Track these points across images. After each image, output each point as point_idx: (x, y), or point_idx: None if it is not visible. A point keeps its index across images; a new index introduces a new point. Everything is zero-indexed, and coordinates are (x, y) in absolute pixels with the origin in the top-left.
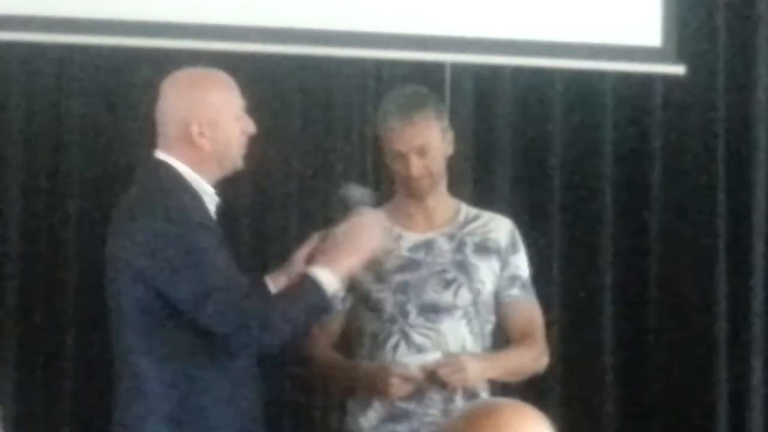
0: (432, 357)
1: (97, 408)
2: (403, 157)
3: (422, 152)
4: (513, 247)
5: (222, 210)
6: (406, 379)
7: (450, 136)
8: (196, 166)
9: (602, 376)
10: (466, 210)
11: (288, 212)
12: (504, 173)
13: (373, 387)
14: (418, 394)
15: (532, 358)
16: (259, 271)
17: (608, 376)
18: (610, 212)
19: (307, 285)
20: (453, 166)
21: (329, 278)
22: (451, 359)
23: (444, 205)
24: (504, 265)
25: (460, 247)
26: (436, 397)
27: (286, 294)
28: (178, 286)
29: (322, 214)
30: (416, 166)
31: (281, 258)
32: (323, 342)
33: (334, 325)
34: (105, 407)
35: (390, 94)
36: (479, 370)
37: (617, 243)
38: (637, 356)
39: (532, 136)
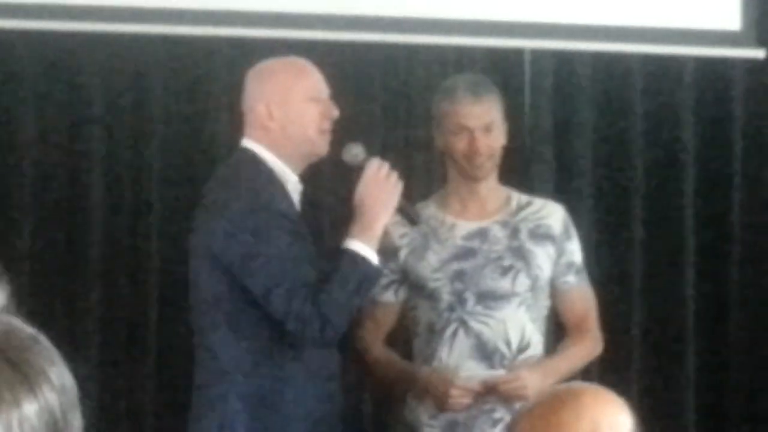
0: (494, 372)
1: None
2: (469, 132)
3: (488, 130)
4: (567, 234)
5: (307, 197)
6: (466, 391)
7: (505, 126)
8: (277, 152)
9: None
10: (518, 197)
11: None
12: (585, 160)
13: (431, 396)
14: (476, 405)
15: (588, 352)
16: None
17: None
18: (690, 199)
19: (350, 264)
20: (532, 154)
21: (365, 249)
22: (513, 375)
23: (496, 192)
24: (560, 251)
25: (514, 233)
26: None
27: (334, 280)
28: (249, 277)
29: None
30: (482, 143)
31: None
32: (377, 336)
33: (389, 317)
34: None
35: (450, 78)
36: (540, 384)
37: (698, 230)
38: (718, 346)
39: (613, 123)
